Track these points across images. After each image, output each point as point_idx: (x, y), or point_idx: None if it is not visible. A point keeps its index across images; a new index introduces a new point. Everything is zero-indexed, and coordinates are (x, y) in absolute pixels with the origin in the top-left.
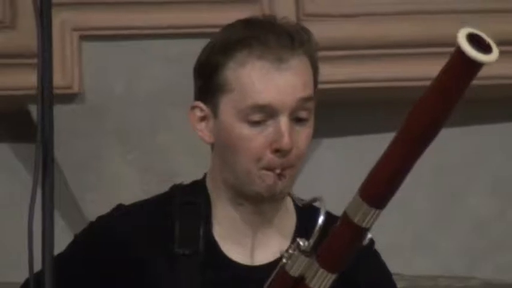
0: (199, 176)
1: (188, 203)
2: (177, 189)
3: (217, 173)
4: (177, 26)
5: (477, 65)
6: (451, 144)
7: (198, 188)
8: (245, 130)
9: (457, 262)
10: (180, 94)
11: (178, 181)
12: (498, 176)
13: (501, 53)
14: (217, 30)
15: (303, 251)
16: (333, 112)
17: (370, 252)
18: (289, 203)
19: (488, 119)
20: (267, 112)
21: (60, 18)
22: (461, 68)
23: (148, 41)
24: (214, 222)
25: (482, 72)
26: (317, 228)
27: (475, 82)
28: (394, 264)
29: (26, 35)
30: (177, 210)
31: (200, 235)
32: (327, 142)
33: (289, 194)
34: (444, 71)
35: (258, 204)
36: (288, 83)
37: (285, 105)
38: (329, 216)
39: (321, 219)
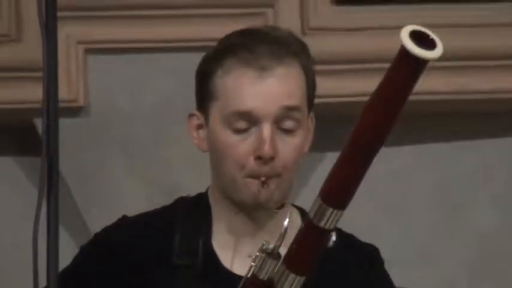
0: (202, 189)
1: (190, 215)
2: (181, 201)
3: (214, 183)
4: (182, 40)
5: (422, 62)
6: (452, 159)
7: (201, 200)
8: (230, 137)
9: (458, 276)
10: (184, 107)
11: (181, 194)
12: (499, 190)
13: (502, 67)
14: None
15: (269, 254)
16: (338, 126)
17: (377, 261)
18: (294, 214)
19: (490, 133)
20: (251, 119)
21: (65, 32)
22: (407, 66)
23: (153, 54)
24: (215, 233)
25: (484, 87)
26: (282, 231)
27: (476, 96)
28: (394, 278)
29: (31, 48)
30: (178, 222)
31: (199, 246)
32: (331, 156)
33: (297, 207)
34: (390, 70)
35: (250, 213)
36: (272, 91)
37: (268, 113)
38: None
39: (286, 222)
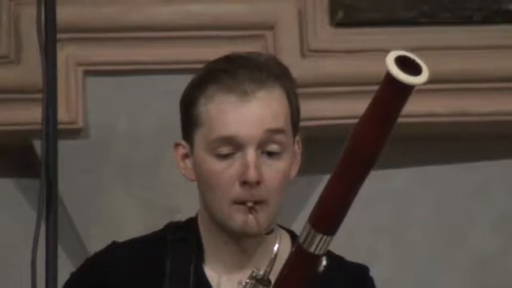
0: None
1: (180, 240)
2: (171, 226)
3: (203, 210)
4: (182, 62)
5: (408, 88)
6: (452, 180)
7: (191, 225)
8: (215, 164)
9: None
10: None
11: (180, 216)
12: (499, 212)
13: (501, 89)
14: None
15: (258, 280)
16: (337, 148)
17: (367, 279)
18: (284, 238)
19: (490, 155)
20: (234, 144)
21: (64, 53)
22: (393, 92)
23: (153, 76)
24: (206, 259)
25: (483, 109)
26: (272, 257)
27: (476, 119)
28: None
29: (30, 70)
30: (169, 247)
31: (191, 271)
32: (327, 178)
33: (286, 229)
34: (377, 96)
35: (239, 239)
36: (254, 115)
37: (251, 137)
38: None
39: (276, 247)
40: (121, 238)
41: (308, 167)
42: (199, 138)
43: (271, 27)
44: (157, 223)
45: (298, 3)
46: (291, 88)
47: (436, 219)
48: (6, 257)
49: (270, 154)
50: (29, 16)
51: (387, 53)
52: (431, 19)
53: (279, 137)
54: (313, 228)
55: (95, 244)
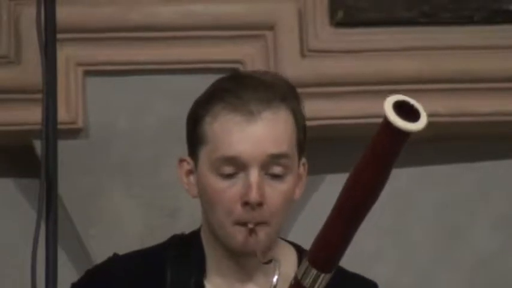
0: (200, 212)
1: (182, 254)
2: (174, 239)
3: (205, 226)
4: (182, 62)
5: (405, 134)
6: (452, 180)
7: (194, 239)
8: (218, 183)
9: None
10: (184, 130)
11: (180, 217)
12: (500, 212)
13: (502, 89)
14: (221, 66)
15: None
16: (336, 148)
17: None
18: (290, 254)
19: (490, 155)
20: (237, 165)
21: (64, 53)
22: (390, 136)
23: (153, 76)
24: (208, 273)
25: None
26: (272, 286)
27: (476, 119)
28: None
29: (30, 70)
30: (170, 261)
31: (191, 285)
32: (329, 178)
33: (292, 243)
34: (375, 140)
35: (240, 258)
36: (259, 136)
37: (254, 158)
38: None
39: (275, 279)
40: (121, 238)
41: (308, 167)
42: (203, 156)
43: (271, 27)
44: (158, 222)
45: (298, 3)
46: (297, 108)
47: (436, 219)
48: (6, 257)
49: (274, 176)
50: (29, 16)
51: (387, 53)
52: (431, 19)
53: (282, 160)
54: (312, 266)
55: (95, 244)
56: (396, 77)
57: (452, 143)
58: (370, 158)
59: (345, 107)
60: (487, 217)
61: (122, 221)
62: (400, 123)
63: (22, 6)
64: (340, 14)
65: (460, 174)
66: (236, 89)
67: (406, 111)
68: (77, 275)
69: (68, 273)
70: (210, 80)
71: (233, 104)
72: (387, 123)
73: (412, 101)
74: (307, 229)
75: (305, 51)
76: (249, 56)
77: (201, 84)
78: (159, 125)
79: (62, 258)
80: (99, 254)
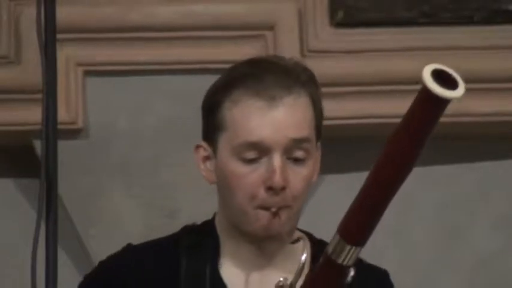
0: (202, 213)
1: (196, 243)
2: (187, 229)
3: (222, 213)
4: (182, 62)
5: (443, 102)
6: (452, 180)
7: (208, 228)
8: (239, 168)
9: None
10: (184, 130)
11: (180, 217)
12: (500, 212)
13: (503, 89)
14: (221, 66)
15: None
16: (336, 148)
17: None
18: (305, 241)
19: (490, 155)
20: (260, 149)
21: (64, 54)
22: (428, 105)
23: (153, 76)
24: (223, 261)
25: (484, 109)
26: (299, 266)
27: (477, 119)
28: None
29: (30, 70)
30: (184, 251)
31: (206, 274)
32: (329, 178)
33: (304, 231)
34: (412, 109)
35: (260, 244)
36: (281, 121)
37: (277, 143)
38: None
39: (303, 257)
40: (121, 238)
41: None
42: (223, 142)
43: (271, 27)
44: (158, 222)
45: (298, 3)
46: (316, 94)
47: (437, 219)
48: (6, 257)
49: (296, 160)
50: (29, 16)
51: (387, 53)
52: (431, 19)
53: (303, 144)
54: (342, 239)
55: (95, 244)
56: (396, 77)
57: (452, 143)
58: (406, 129)
59: (345, 107)
60: (487, 217)
61: (122, 221)
62: (439, 91)
63: (22, 6)
64: (340, 14)
65: (460, 174)
66: (257, 73)
67: (444, 80)
68: (77, 275)
69: (68, 273)
70: (210, 80)
71: (255, 89)
72: (426, 91)
73: (450, 70)
74: (307, 229)
75: (305, 52)
76: (249, 56)
77: (202, 84)
78: (159, 125)
79: (62, 258)
80: (99, 254)
